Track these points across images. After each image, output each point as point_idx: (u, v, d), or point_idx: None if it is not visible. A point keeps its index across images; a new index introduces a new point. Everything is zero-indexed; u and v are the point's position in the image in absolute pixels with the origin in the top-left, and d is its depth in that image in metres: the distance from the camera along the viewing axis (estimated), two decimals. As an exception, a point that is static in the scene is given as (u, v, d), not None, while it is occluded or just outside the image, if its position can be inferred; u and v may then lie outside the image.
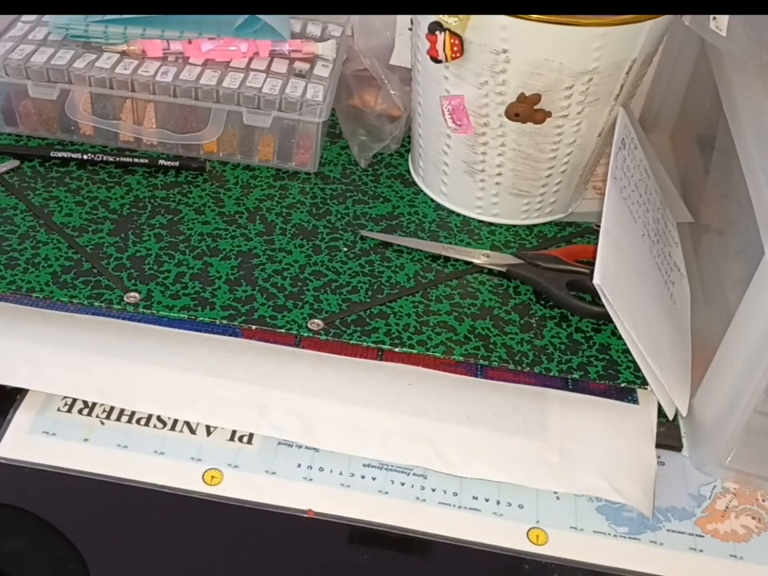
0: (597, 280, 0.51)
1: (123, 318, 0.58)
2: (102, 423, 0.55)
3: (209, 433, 0.55)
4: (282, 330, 0.57)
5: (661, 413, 0.56)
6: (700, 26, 0.56)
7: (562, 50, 0.56)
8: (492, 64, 0.57)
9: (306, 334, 0.57)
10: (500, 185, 0.65)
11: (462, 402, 0.56)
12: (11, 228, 0.62)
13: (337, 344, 0.57)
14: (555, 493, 0.53)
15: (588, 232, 0.69)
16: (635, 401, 0.57)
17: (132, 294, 0.58)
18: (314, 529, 0.50)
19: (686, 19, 0.56)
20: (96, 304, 0.57)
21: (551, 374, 0.56)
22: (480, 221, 0.68)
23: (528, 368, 0.56)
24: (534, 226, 0.69)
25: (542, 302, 0.61)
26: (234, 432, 0.55)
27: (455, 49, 0.57)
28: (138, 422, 0.55)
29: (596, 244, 0.53)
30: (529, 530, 0.51)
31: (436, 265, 0.64)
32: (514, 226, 0.68)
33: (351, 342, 0.56)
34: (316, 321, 0.57)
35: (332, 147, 0.75)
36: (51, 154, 0.69)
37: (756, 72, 0.57)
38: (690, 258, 0.68)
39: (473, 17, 0.55)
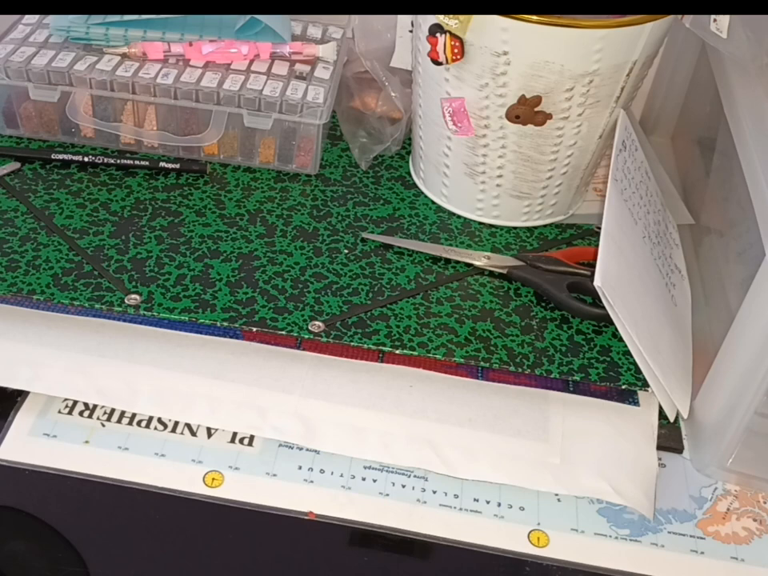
0: (597, 282, 0.51)
1: (124, 320, 0.58)
2: (103, 425, 0.55)
3: (209, 435, 0.55)
4: (283, 332, 0.57)
5: (662, 415, 0.56)
6: (700, 28, 0.56)
7: (562, 52, 0.56)
8: (493, 66, 0.57)
9: (306, 336, 0.57)
10: (501, 187, 0.65)
11: (462, 403, 0.56)
12: (12, 230, 0.62)
13: (337, 346, 0.57)
14: (556, 495, 0.53)
15: (589, 234, 0.69)
16: (636, 403, 0.57)
17: (133, 296, 0.58)
18: (314, 531, 0.50)
19: (687, 21, 0.56)
20: (97, 306, 0.57)
21: (552, 375, 0.56)
22: (481, 223, 0.68)
23: (529, 370, 0.56)
24: (535, 227, 0.69)
25: (543, 304, 0.61)
26: (234, 434, 0.55)
27: (456, 51, 0.57)
28: (138, 424, 0.55)
29: (597, 246, 0.53)
30: (530, 532, 0.51)
31: (437, 267, 0.64)
32: (515, 227, 0.68)
33: (352, 343, 0.56)
34: (317, 323, 0.57)
35: (333, 149, 0.75)
36: (52, 156, 0.69)
37: (756, 74, 0.57)
38: (691, 259, 0.68)
39: (473, 19, 0.55)
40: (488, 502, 0.53)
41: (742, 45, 0.55)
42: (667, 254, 0.64)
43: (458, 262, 0.64)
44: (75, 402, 0.55)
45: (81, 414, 0.55)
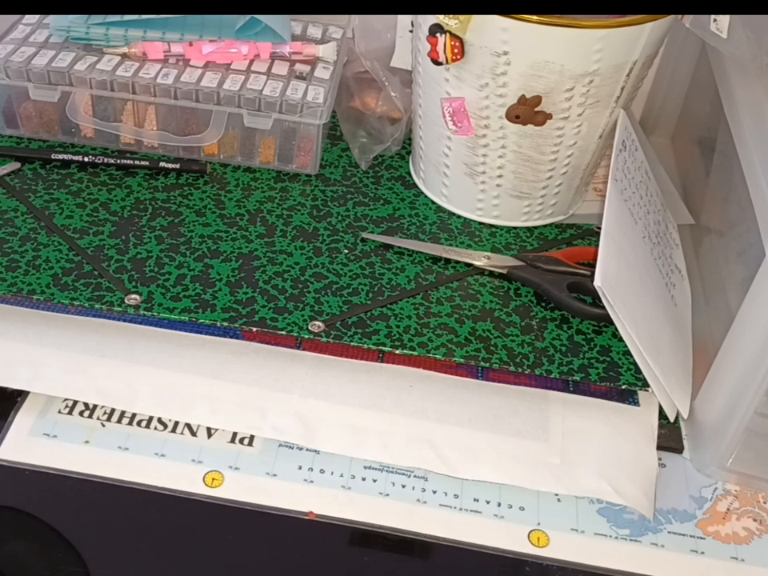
0: (598, 282, 0.51)
1: (124, 320, 0.58)
2: (103, 425, 0.55)
3: (209, 435, 0.55)
4: (283, 332, 0.57)
5: (662, 415, 0.56)
6: (700, 28, 0.56)
7: (562, 52, 0.56)
8: (493, 66, 0.57)
9: (306, 336, 0.57)
10: (501, 187, 0.65)
11: (462, 403, 0.56)
12: (12, 230, 0.62)
13: (337, 346, 0.57)
14: (556, 495, 0.53)
15: (589, 234, 0.69)
16: (636, 403, 0.57)
17: (133, 296, 0.58)
18: (314, 531, 0.50)
19: (687, 21, 0.56)
20: (97, 306, 0.57)
21: (552, 375, 0.56)
22: (481, 223, 0.68)
23: (529, 370, 0.56)
24: (535, 227, 0.69)
25: (543, 304, 0.61)
26: (234, 434, 0.55)
27: (456, 51, 0.57)
28: (138, 424, 0.55)
29: (597, 246, 0.53)
30: (530, 532, 0.51)
31: (437, 267, 0.64)
32: (515, 227, 0.68)
33: (352, 343, 0.56)
34: (317, 323, 0.57)
35: (333, 149, 0.75)
36: (52, 157, 0.69)
37: (756, 74, 0.57)
38: (691, 259, 0.68)
39: (473, 19, 0.55)
40: (488, 502, 0.53)
41: (742, 45, 0.55)
42: (667, 254, 0.64)
43: (458, 261, 0.64)
44: (75, 402, 0.55)
45: (81, 413, 0.55)
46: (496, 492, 0.53)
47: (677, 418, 0.57)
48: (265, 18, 0.69)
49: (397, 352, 0.56)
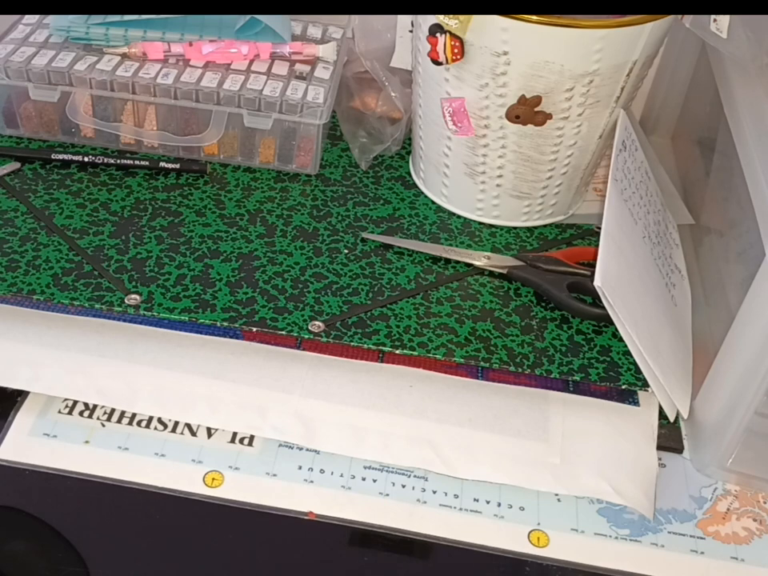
0: (598, 282, 0.51)
1: (124, 320, 0.58)
2: (103, 425, 0.55)
3: (209, 435, 0.55)
4: (283, 332, 0.57)
5: (662, 415, 0.56)
6: (700, 28, 0.56)
7: (562, 52, 0.56)
8: (493, 66, 0.57)
9: (306, 336, 0.57)
10: (501, 187, 0.65)
11: (462, 403, 0.56)
12: (12, 230, 0.62)
13: (337, 346, 0.57)
14: (556, 495, 0.53)
15: (589, 234, 0.69)
16: (636, 403, 0.57)
17: (133, 296, 0.58)
18: (314, 531, 0.50)
19: (687, 21, 0.56)
20: (97, 306, 0.57)
21: (552, 375, 0.56)
22: (481, 223, 0.68)
23: (529, 370, 0.56)
24: (535, 227, 0.69)
25: (543, 304, 0.61)
26: (234, 434, 0.55)
27: (456, 51, 0.57)
28: (138, 424, 0.55)
29: (597, 246, 0.53)
30: (530, 532, 0.51)
31: (437, 267, 0.64)
32: (515, 227, 0.68)
33: (352, 343, 0.56)
34: (317, 323, 0.57)
35: (333, 149, 0.75)
36: (52, 156, 0.69)
37: (756, 74, 0.57)
38: (691, 259, 0.68)
39: (473, 19, 0.55)
40: (488, 502, 0.53)
41: (742, 45, 0.55)
42: (667, 254, 0.64)
43: (458, 261, 0.64)
44: (75, 402, 0.55)
45: (81, 413, 0.55)
46: (496, 492, 0.53)
47: (677, 418, 0.57)
48: (265, 18, 0.69)
49: (397, 352, 0.56)
